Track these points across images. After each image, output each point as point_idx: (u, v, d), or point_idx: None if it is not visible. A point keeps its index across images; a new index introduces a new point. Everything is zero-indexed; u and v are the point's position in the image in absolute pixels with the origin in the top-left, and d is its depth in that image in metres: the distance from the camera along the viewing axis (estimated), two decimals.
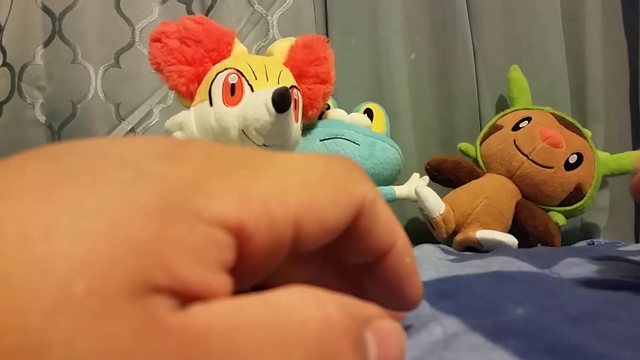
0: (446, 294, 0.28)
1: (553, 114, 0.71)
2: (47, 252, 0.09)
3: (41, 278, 0.09)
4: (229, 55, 0.59)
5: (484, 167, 0.72)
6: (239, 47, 0.61)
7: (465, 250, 0.61)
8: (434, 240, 0.63)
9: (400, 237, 0.15)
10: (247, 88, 0.56)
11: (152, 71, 0.58)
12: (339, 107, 0.72)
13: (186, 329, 0.10)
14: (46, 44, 0.78)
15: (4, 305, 0.09)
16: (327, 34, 0.82)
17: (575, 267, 0.37)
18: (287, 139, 0.56)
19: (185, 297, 0.10)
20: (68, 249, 0.09)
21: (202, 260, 0.10)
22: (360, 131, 0.66)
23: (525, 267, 0.37)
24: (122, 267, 0.09)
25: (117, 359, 0.09)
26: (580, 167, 0.66)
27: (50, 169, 0.11)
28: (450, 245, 0.63)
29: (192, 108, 0.58)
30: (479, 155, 0.72)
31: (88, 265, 0.09)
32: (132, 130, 0.78)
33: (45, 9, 0.78)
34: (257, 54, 0.75)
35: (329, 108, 0.71)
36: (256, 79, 0.56)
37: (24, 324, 0.08)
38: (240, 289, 0.11)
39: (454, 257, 0.48)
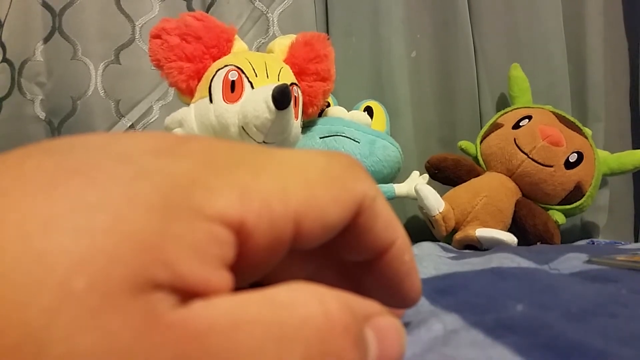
0: (446, 291, 0.28)
1: (553, 113, 0.71)
2: (47, 248, 0.09)
3: (42, 274, 0.09)
4: (229, 52, 0.59)
5: (484, 166, 0.72)
6: (239, 44, 0.61)
7: (465, 249, 0.60)
8: (433, 239, 0.63)
9: (400, 234, 0.15)
10: (247, 85, 0.55)
11: (152, 68, 0.58)
12: (339, 105, 0.71)
13: (187, 325, 0.10)
14: (46, 40, 0.77)
15: (4, 301, 0.08)
16: (327, 32, 0.81)
17: (574, 262, 0.37)
18: (287, 136, 0.56)
19: (186, 294, 0.10)
20: (69, 245, 0.09)
21: (202, 257, 0.10)
22: (360, 129, 0.65)
23: (524, 263, 0.37)
24: (123, 263, 0.09)
25: (118, 355, 0.09)
26: (580, 166, 0.66)
27: (51, 164, 0.10)
28: (449, 244, 0.63)
29: (192, 105, 0.58)
30: (479, 154, 0.72)
31: (89, 261, 0.09)
32: (132, 126, 0.78)
33: (45, 5, 0.78)
34: (258, 51, 0.75)
35: (329, 106, 0.71)
36: (256, 76, 0.56)
37: (25, 320, 0.08)
38: (240, 286, 0.11)
39: (453, 255, 0.48)
